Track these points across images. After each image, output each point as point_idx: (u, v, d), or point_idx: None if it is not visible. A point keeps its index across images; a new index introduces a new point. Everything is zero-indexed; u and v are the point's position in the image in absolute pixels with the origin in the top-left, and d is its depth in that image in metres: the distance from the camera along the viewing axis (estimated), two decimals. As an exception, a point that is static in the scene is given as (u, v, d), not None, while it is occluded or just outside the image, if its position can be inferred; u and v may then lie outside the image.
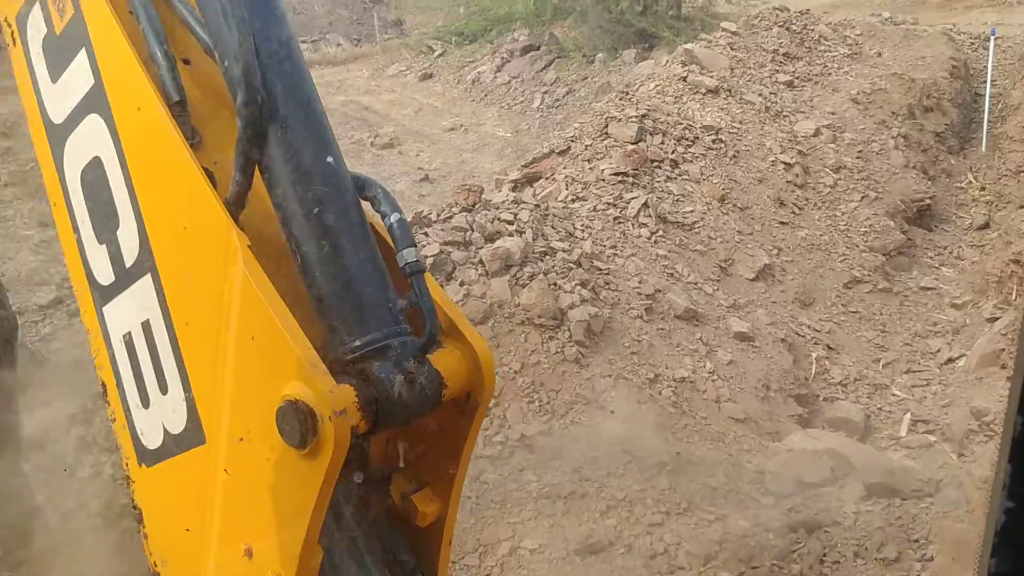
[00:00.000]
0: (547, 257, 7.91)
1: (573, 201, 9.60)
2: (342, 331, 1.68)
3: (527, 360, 7.16)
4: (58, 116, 2.01)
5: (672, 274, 8.80)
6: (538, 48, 22.06)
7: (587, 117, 11.87)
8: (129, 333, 1.87)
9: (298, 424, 1.50)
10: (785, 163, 11.00)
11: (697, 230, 9.56)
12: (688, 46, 13.21)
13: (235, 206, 1.70)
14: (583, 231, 8.76)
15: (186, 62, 1.90)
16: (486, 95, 21.93)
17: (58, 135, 2.01)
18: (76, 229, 1.96)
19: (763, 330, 8.57)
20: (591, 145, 10.59)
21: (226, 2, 1.66)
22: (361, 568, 1.75)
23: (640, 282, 8.30)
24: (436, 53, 26.81)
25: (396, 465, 1.90)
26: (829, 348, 8.80)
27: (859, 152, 11.59)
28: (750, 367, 7.99)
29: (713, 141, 10.85)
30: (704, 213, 9.81)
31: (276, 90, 1.69)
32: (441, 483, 1.86)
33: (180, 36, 1.87)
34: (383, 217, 1.80)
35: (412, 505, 1.84)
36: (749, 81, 12.48)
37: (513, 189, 11.02)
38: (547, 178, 10.75)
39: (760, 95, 12.17)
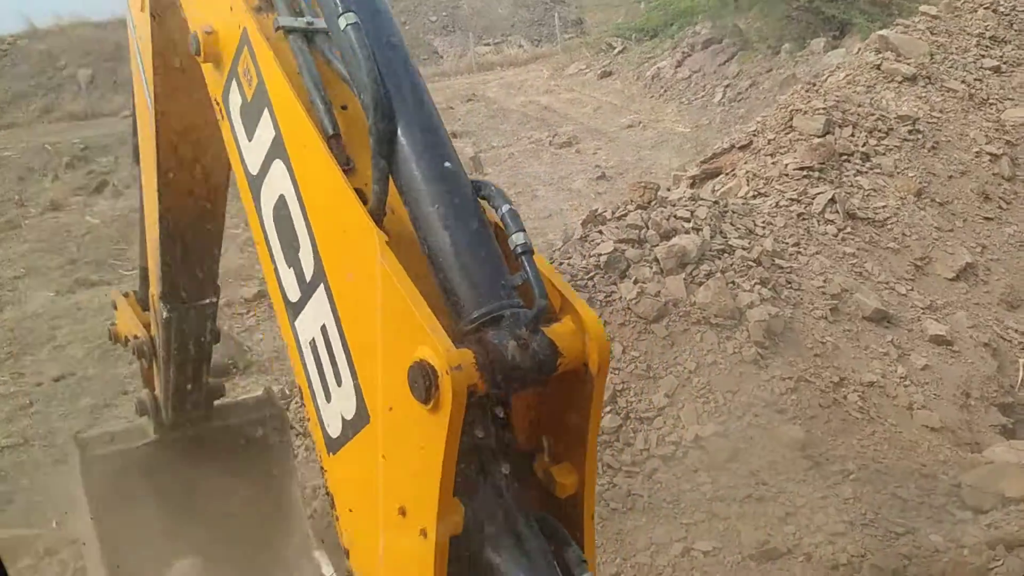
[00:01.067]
0: (725, 255, 7.71)
1: (754, 197, 9.30)
2: (462, 308, 1.92)
3: (702, 360, 7.01)
4: (254, 168, 2.39)
5: (861, 273, 8.34)
6: (720, 41, 21.52)
7: (770, 110, 11.47)
8: (313, 339, 2.19)
9: (423, 381, 1.73)
10: (991, 154, 10.17)
11: (890, 227, 9.01)
12: (883, 32, 12.46)
13: (377, 213, 2.02)
14: (764, 228, 8.47)
15: (343, 108, 2.24)
16: (665, 91, 21.64)
17: (255, 184, 2.38)
18: (272, 260, 2.32)
19: (963, 333, 7.97)
20: (774, 139, 10.21)
21: (356, 45, 2.05)
22: (516, 536, 1.93)
23: (825, 281, 7.93)
24: (616, 50, 26.74)
25: (539, 447, 2.08)
26: (1038, 355, 8.06)
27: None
28: (948, 373, 7.46)
29: (909, 132, 10.19)
30: (898, 208, 9.24)
31: (399, 112, 2.04)
32: (575, 457, 2.02)
33: (337, 88, 2.24)
34: (496, 209, 2.05)
35: (552, 477, 2.02)
36: (951, 67, 11.62)
37: (691, 186, 10.82)
38: (727, 174, 10.47)
39: (963, 82, 11.30)
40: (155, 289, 4.16)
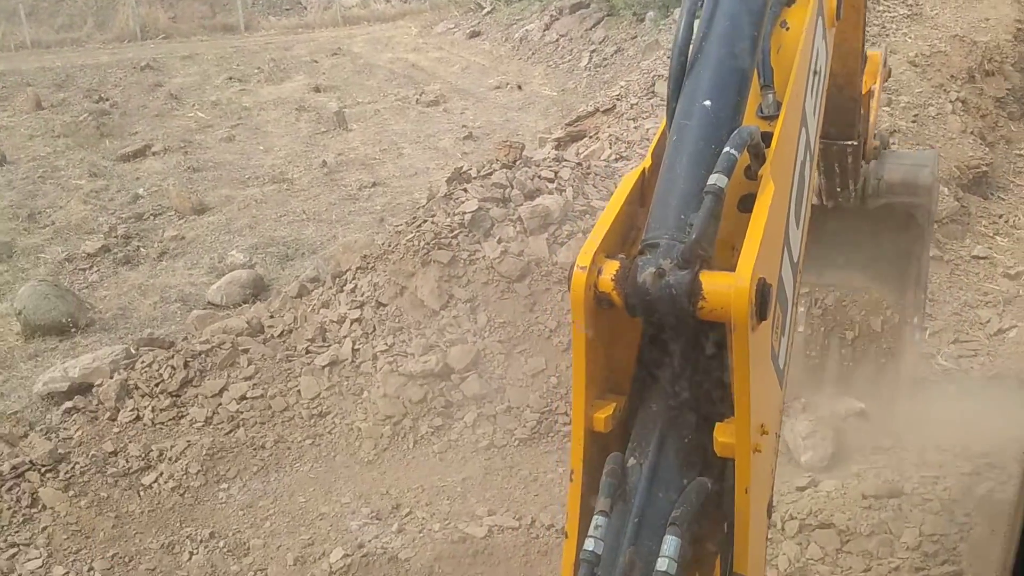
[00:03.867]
0: (587, 216, 7.81)
1: (616, 160, 9.46)
2: (648, 229, 2.03)
3: (563, 319, 7.10)
4: None
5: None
6: (587, 6, 21.68)
7: (634, 75, 11.65)
8: None
9: (568, 272, 1.98)
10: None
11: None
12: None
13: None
14: (625, 190, 8.62)
15: None
16: (533, 53, 21.66)
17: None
18: None
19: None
20: (637, 104, 10.40)
21: None
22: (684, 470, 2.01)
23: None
24: (485, 10, 26.53)
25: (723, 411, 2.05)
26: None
27: (915, 116, 11.21)
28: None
29: (763, 102, 10.57)
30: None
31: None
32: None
33: None
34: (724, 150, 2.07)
35: (711, 433, 1.99)
36: (803, 41, 12.10)
37: (556, 147, 10.89)
38: (591, 137, 10.60)
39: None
40: None
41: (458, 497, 6.48)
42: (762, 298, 1.83)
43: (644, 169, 2.23)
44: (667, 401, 2.04)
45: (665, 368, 2.04)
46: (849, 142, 5.21)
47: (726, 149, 1.97)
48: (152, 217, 12.67)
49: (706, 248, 1.89)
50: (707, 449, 2.00)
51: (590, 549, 1.85)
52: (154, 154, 15.41)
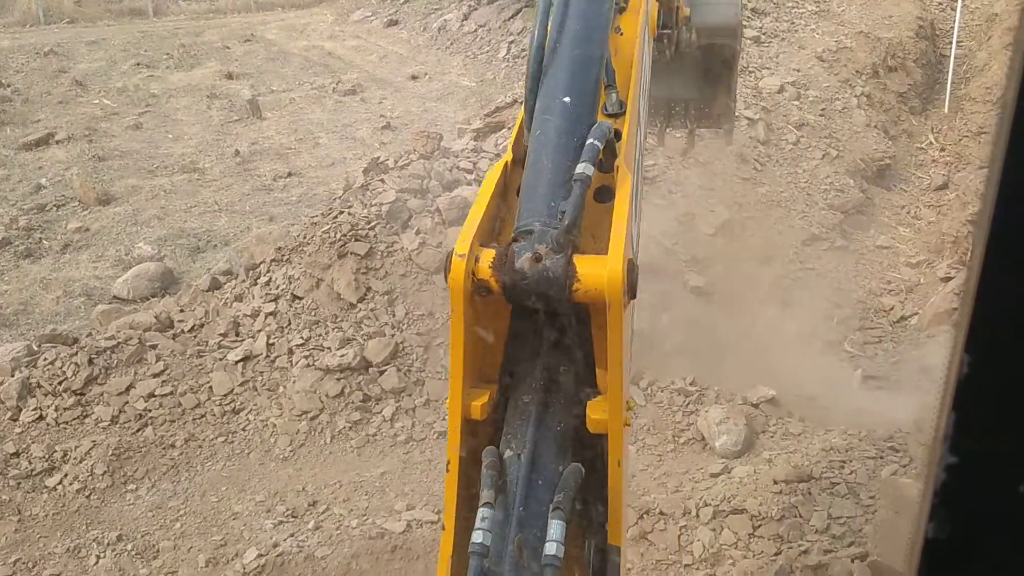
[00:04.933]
0: (506, 207, 7.79)
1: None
2: (519, 218, 2.12)
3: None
4: None
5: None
6: (506, -4, 21.63)
7: (551, 67, 11.66)
8: None
9: (444, 263, 2.01)
10: (749, 118, 10.92)
11: (659, 184, 9.48)
12: (656, -3, 12.97)
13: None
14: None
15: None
16: (452, 43, 21.50)
17: None
18: None
19: (720, 285, 8.56)
20: (554, 95, 10.41)
21: None
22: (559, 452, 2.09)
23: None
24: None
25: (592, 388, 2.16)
26: (785, 304, 8.82)
27: (822, 110, 11.54)
28: (705, 321, 7.99)
29: (678, 95, 10.71)
30: (666, 168, 9.72)
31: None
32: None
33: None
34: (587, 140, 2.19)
35: (584, 410, 2.09)
36: (716, 35, 12.31)
37: (475, 138, 10.83)
38: (510, 128, 10.57)
39: (726, 49, 12.02)
40: None
41: (376, 492, 6.41)
42: (632, 278, 1.97)
43: (506, 163, 2.32)
44: (538, 389, 2.13)
45: (535, 355, 2.15)
46: (666, 31, 5.46)
47: (590, 141, 2.10)
48: (55, 208, 12.14)
49: (576, 234, 2.01)
50: (578, 431, 2.12)
51: (479, 541, 1.89)
52: (57, 142, 14.77)
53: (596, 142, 2.09)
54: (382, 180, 7.86)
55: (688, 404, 6.93)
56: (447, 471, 2.10)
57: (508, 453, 2.07)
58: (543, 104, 2.28)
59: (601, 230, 2.08)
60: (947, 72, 13.14)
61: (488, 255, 2.01)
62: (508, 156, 2.34)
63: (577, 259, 1.97)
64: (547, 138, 2.20)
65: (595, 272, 1.95)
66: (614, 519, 2.11)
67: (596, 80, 2.36)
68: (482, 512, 1.92)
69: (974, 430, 0.78)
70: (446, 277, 2.00)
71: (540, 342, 2.14)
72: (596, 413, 2.06)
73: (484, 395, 2.10)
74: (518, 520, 1.97)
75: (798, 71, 12.04)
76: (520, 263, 1.97)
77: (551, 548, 1.88)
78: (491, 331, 2.14)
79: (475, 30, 21.64)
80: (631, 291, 1.98)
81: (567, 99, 2.25)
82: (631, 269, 1.98)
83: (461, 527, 2.08)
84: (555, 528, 1.91)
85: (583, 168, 2.05)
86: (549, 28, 2.38)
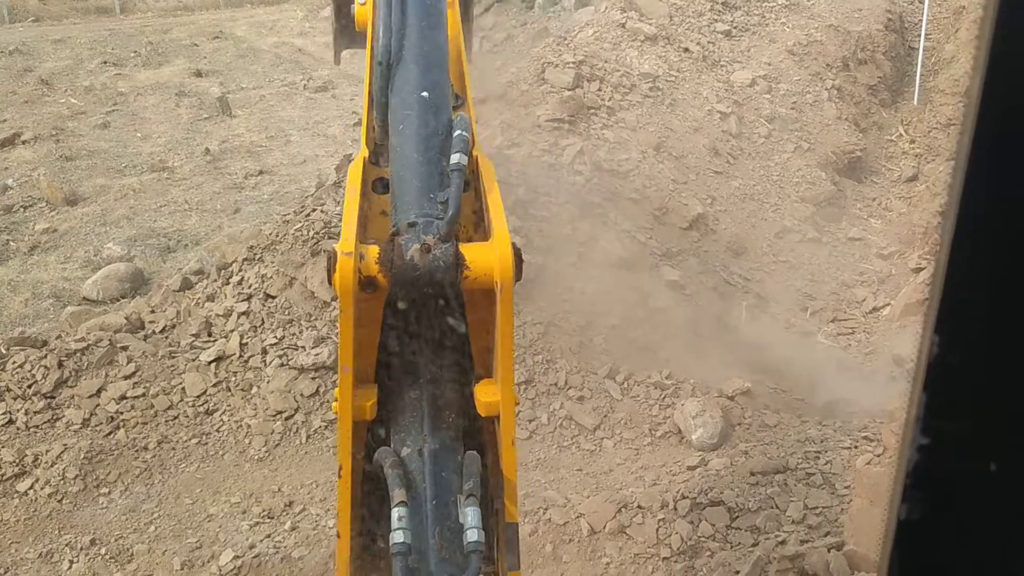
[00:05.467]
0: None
1: (508, 147, 9.43)
2: (395, 213, 2.16)
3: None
4: None
5: (605, 222, 8.73)
6: (477, -8, 21.58)
7: (524, 62, 11.65)
8: None
9: (328, 264, 2.01)
10: (721, 112, 10.97)
11: (632, 178, 9.49)
12: (627, -8, 12.98)
13: (377, 141, 2.40)
14: (517, 177, 8.62)
15: None
16: (423, 39, 21.42)
17: None
18: None
19: (694, 279, 8.59)
20: (527, 91, 10.39)
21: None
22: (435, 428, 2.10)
23: (573, 230, 8.22)
24: (372, -5, 26.09)
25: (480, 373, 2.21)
26: (759, 297, 8.87)
27: (793, 103, 11.61)
28: (680, 313, 8.01)
29: (650, 89, 10.75)
30: (639, 162, 9.74)
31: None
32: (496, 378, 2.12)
33: None
34: (454, 133, 2.23)
35: (473, 395, 2.13)
36: (688, 30, 12.36)
37: (448, 134, 10.80)
38: (482, 124, 10.54)
39: (698, 44, 12.07)
40: None
41: (353, 491, 6.36)
42: (519, 260, 2.02)
43: (364, 159, 2.36)
44: (424, 383, 2.15)
45: (420, 349, 2.16)
46: None
47: (458, 132, 2.17)
48: (22, 209, 11.97)
49: (459, 223, 2.07)
50: (469, 417, 2.17)
51: (400, 541, 1.90)
52: (24, 143, 14.54)
53: (464, 133, 2.17)
54: (355, 177, 7.82)
55: (664, 398, 6.95)
56: (339, 477, 2.07)
57: (406, 451, 2.07)
58: (400, 100, 2.32)
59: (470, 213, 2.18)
60: (916, 65, 13.27)
61: (373, 251, 2.02)
62: (364, 152, 2.36)
63: (463, 247, 2.02)
64: (411, 132, 2.25)
65: (484, 258, 2.00)
66: (511, 497, 2.12)
67: (447, 72, 2.42)
68: (397, 512, 1.92)
69: (945, 410, 0.77)
70: (330, 279, 1.98)
71: (418, 336, 2.15)
72: (487, 396, 2.09)
73: (371, 394, 2.10)
74: (433, 514, 1.98)
75: (769, 64, 12.11)
76: (410, 255, 1.99)
77: (473, 535, 1.90)
78: (370, 329, 2.14)
79: (447, 26, 21.57)
80: (519, 273, 2.02)
81: (424, 94, 2.30)
82: (517, 252, 2.02)
83: (355, 532, 2.08)
84: (471, 515, 1.93)
85: (458, 159, 2.10)
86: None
